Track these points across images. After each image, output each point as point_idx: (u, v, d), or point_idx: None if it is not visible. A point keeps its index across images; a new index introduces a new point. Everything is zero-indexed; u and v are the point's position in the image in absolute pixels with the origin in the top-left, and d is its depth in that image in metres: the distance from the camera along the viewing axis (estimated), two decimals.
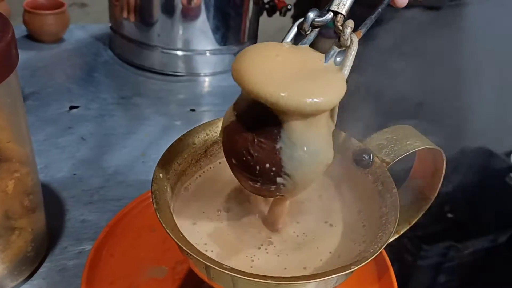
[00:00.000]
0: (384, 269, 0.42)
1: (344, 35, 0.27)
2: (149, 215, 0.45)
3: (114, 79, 0.75)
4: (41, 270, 0.42)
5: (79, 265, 0.43)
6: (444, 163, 0.34)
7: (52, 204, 0.49)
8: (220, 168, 0.36)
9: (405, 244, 0.93)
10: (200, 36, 0.76)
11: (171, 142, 0.33)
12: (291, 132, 0.25)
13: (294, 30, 0.29)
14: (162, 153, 0.32)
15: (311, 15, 0.28)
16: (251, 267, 0.30)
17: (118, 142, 0.60)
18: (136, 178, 0.54)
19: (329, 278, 0.25)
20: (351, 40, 0.27)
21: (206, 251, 0.30)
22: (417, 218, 0.37)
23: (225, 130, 0.28)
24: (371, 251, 0.27)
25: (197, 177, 0.35)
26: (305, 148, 0.26)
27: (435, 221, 1.00)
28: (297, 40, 0.29)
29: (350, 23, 0.27)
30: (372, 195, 0.32)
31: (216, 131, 0.35)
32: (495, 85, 0.95)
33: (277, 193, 0.28)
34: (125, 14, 0.75)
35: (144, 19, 0.75)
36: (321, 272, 0.26)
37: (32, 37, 0.81)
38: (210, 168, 0.36)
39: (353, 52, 0.27)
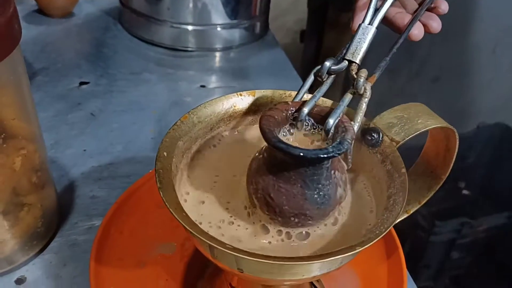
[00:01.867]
0: (393, 248, 0.42)
1: (358, 85, 0.29)
2: (157, 192, 0.45)
3: (124, 55, 0.74)
4: (52, 245, 0.43)
5: (89, 240, 0.43)
6: (457, 142, 0.33)
7: (62, 180, 0.49)
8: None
9: (418, 220, 0.93)
10: (211, 10, 0.74)
11: (180, 118, 0.33)
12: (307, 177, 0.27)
13: (311, 78, 0.30)
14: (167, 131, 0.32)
15: (327, 64, 0.30)
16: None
17: (128, 118, 0.60)
18: (145, 154, 0.54)
19: (334, 259, 0.25)
20: (365, 89, 0.29)
21: (211, 227, 0.30)
22: (428, 198, 0.36)
23: (250, 164, 0.29)
24: (377, 232, 0.26)
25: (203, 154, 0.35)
26: (321, 192, 0.27)
27: (450, 197, 0.99)
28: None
29: (364, 73, 0.30)
30: (381, 175, 0.31)
31: (222, 108, 0.34)
32: None
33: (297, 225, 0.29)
34: None
35: None
36: (326, 252, 0.25)
37: (42, 11, 0.80)
38: (216, 145, 0.36)
39: (366, 100, 0.29)
